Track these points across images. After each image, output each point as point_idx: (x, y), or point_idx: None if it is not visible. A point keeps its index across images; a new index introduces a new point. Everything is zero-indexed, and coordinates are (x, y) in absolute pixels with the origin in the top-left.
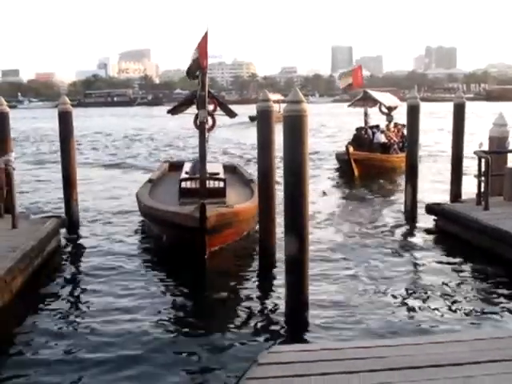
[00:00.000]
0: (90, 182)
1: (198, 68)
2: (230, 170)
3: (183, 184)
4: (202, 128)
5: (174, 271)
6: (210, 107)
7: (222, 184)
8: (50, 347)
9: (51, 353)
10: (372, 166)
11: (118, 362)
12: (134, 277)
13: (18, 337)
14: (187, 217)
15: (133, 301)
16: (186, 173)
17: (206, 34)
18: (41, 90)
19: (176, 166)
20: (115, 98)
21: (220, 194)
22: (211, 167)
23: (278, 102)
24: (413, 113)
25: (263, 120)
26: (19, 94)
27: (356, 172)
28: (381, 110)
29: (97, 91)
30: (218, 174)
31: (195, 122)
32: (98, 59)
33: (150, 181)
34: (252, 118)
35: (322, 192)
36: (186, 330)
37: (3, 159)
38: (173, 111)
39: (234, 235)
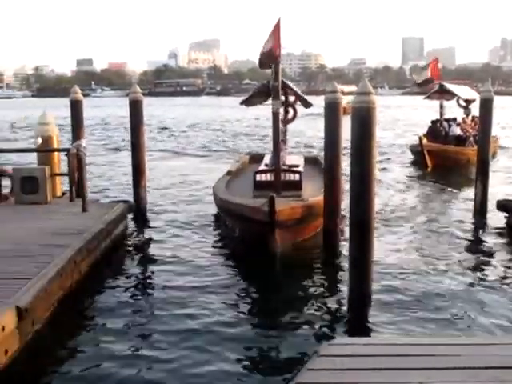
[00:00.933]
0: (161, 170)
1: (270, 58)
2: (311, 161)
3: (258, 176)
4: (275, 118)
5: (244, 264)
6: (291, 98)
7: (297, 177)
8: (114, 329)
9: (114, 334)
10: (446, 159)
11: (183, 350)
12: (199, 267)
13: (84, 316)
14: (256, 210)
15: (197, 289)
16: (266, 165)
17: (279, 22)
18: (113, 79)
19: (257, 158)
20: (184, 88)
21: (295, 186)
22: (291, 159)
23: (352, 93)
24: (486, 106)
25: (331, 112)
26: (92, 82)
27: (429, 164)
28: (458, 103)
29: (166, 81)
30: (297, 165)
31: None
32: (168, 49)
33: (228, 173)
34: None
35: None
36: (251, 321)
37: (75, 145)
38: (246, 102)
39: (309, 229)
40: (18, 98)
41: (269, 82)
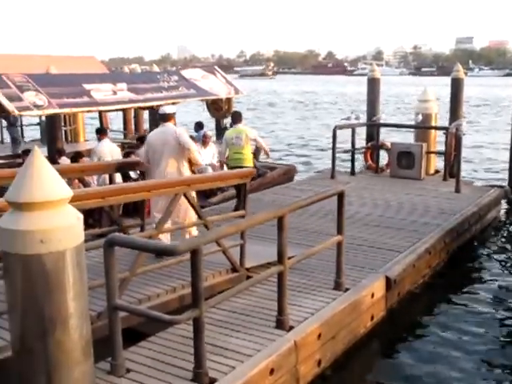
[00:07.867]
0: None
1: None
2: None
3: None
4: None
5: None
6: None
7: None
8: (476, 312)
9: (475, 316)
10: None
11: None
12: None
13: (446, 297)
14: None
15: None
16: None
17: None
18: (492, 58)
19: None
20: None
21: None
22: None
23: None
24: None
25: None
26: (470, 61)
27: None
28: None
29: None
30: None
31: None
32: None
33: None
34: None
35: None
36: None
37: (455, 124)
38: None
39: None
40: (395, 75)
41: None
